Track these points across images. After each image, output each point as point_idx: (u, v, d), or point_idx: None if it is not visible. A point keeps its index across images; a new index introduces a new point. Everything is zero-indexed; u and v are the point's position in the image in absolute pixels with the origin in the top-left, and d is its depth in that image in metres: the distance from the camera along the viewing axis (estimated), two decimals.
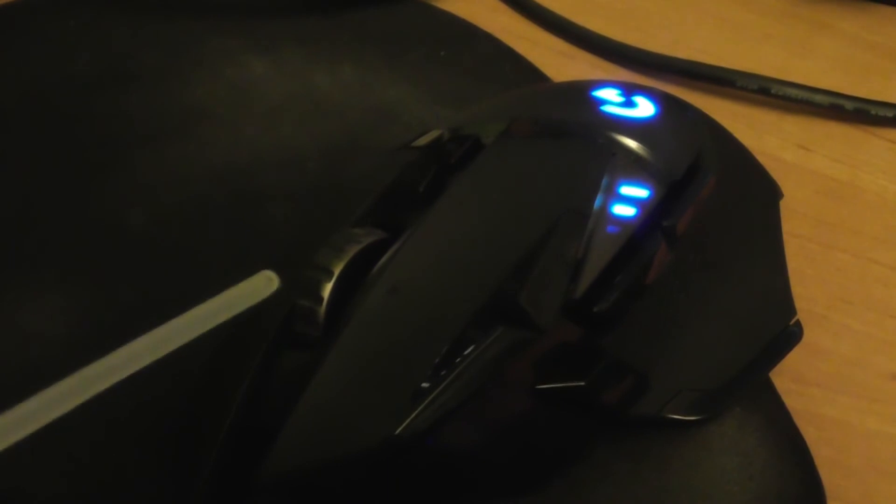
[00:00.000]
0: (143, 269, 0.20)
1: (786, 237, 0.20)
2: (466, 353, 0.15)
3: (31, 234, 0.21)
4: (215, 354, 0.16)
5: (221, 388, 0.16)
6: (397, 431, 0.14)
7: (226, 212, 0.21)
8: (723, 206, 0.18)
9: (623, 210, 0.16)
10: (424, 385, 0.15)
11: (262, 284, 0.14)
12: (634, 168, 0.17)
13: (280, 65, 0.26)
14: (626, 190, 0.17)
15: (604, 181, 0.17)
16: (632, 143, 0.17)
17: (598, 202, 0.16)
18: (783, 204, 0.20)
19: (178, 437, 0.17)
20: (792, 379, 0.20)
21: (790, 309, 0.19)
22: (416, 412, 0.15)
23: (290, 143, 0.23)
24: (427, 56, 0.27)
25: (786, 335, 0.19)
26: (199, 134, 0.23)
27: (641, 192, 0.17)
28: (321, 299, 0.15)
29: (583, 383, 0.16)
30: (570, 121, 0.18)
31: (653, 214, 0.17)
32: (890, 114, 0.27)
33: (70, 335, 0.18)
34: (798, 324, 0.19)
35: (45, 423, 0.12)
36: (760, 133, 0.26)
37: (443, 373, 0.15)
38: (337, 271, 0.15)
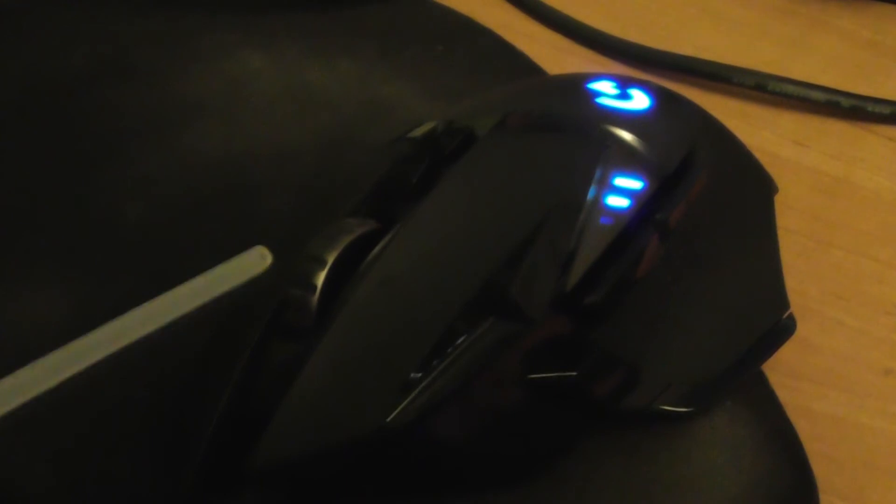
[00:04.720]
0: (139, 260, 0.20)
1: (780, 233, 0.20)
2: (457, 343, 0.15)
3: (27, 226, 0.21)
4: (206, 343, 0.16)
5: (212, 376, 0.16)
6: (387, 420, 0.14)
7: (222, 204, 0.21)
8: (716, 200, 0.18)
9: (615, 202, 0.16)
10: (415, 375, 0.15)
11: (256, 260, 0.14)
12: (627, 160, 0.17)
13: (276, 59, 0.26)
14: (619, 182, 0.17)
15: (596, 173, 0.17)
16: (625, 136, 0.17)
17: (590, 194, 0.16)
18: (778, 199, 0.20)
19: (168, 426, 0.17)
20: (785, 373, 0.20)
21: (783, 302, 0.19)
22: (407, 401, 0.15)
23: (285, 137, 0.23)
24: (424, 51, 0.27)
25: (779, 328, 0.19)
26: (195, 127, 0.23)
27: (634, 185, 0.17)
28: (314, 288, 0.15)
29: (573, 374, 0.16)
30: (564, 113, 0.18)
31: (645, 207, 0.17)
32: (886, 111, 0.27)
33: (65, 325, 0.18)
34: (791, 317, 0.19)
35: (31, 397, 0.12)
36: (756, 129, 0.26)
37: (433, 363, 0.15)
38: (330, 260, 0.15)
